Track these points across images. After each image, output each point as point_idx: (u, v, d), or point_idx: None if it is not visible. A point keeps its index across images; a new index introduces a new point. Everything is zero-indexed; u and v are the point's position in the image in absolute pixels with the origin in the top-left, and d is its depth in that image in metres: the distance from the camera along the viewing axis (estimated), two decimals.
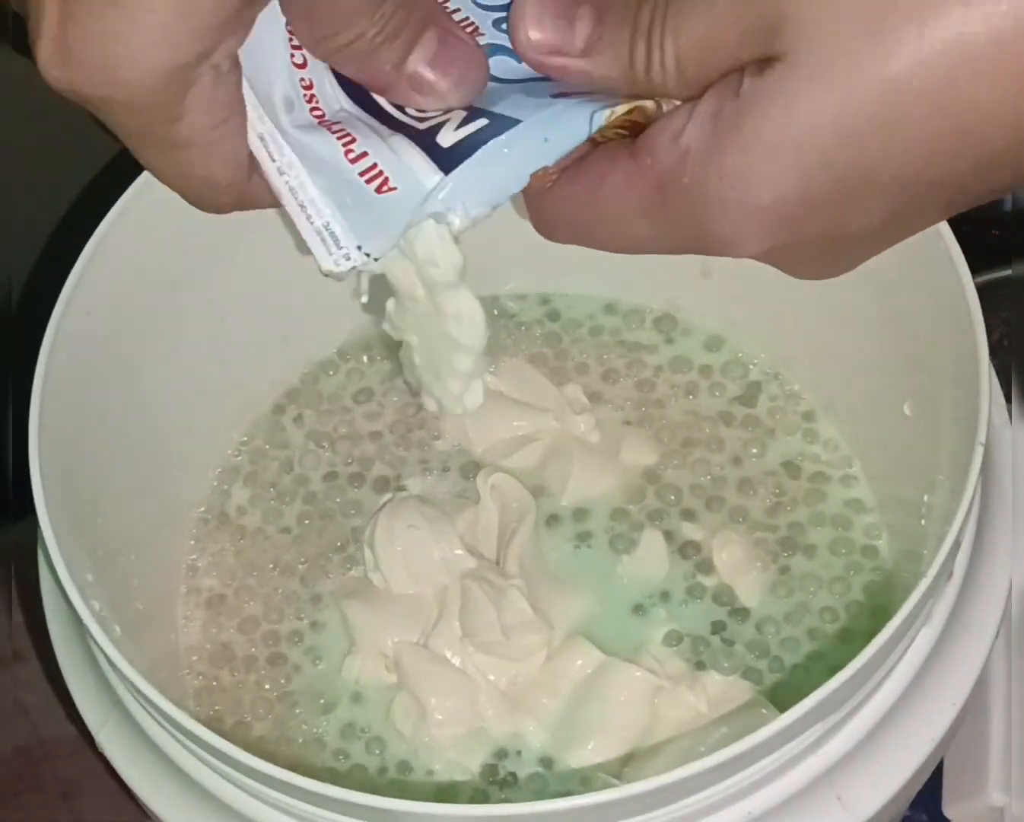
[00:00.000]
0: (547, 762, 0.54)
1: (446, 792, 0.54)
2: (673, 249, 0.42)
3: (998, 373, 0.52)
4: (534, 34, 0.43)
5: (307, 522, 0.61)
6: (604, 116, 0.43)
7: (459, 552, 0.57)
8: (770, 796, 0.46)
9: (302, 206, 0.43)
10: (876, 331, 0.56)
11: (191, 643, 0.58)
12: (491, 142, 0.43)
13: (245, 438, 0.63)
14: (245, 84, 0.43)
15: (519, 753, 0.55)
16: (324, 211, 0.43)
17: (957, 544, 0.46)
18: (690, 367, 0.64)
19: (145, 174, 0.53)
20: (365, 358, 0.65)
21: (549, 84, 0.44)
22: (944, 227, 0.50)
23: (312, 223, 0.43)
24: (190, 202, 0.46)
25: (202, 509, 0.62)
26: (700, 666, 0.56)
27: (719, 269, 0.61)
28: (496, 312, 0.65)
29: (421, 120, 0.44)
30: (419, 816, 0.42)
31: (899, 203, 0.39)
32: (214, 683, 0.57)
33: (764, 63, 0.38)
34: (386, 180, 0.43)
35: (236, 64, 0.43)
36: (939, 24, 0.35)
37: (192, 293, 0.57)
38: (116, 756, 0.50)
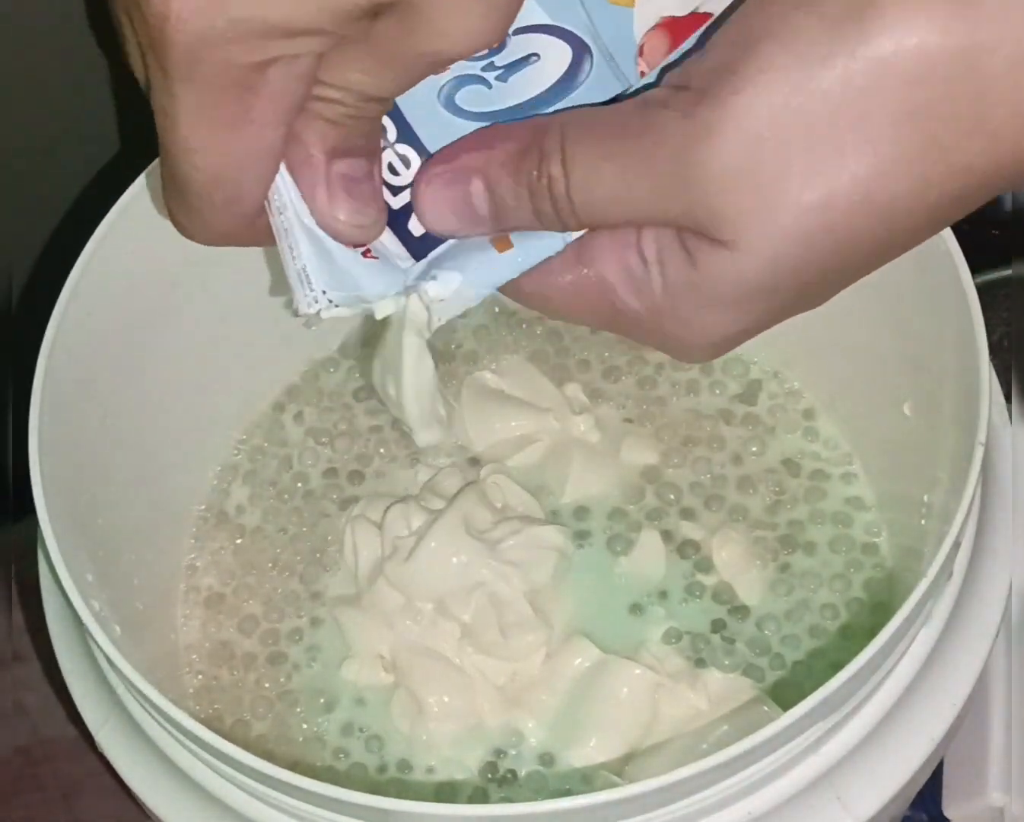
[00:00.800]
0: (547, 760, 0.54)
1: (445, 791, 0.54)
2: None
3: (998, 373, 0.52)
4: (437, 221, 0.45)
5: (306, 519, 0.61)
6: None
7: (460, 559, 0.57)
8: (770, 796, 0.46)
9: (290, 247, 0.44)
10: (876, 330, 0.56)
11: (190, 642, 0.58)
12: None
13: (244, 436, 0.63)
14: None
15: (518, 751, 0.55)
16: (303, 254, 0.44)
17: (957, 544, 0.46)
18: (691, 365, 0.64)
19: (145, 173, 0.53)
20: (366, 355, 0.65)
21: None
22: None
23: (295, 264, 0.44)
24: (184, 212, 0.44)
25: (201, 508, 0.62)
26: (700, 663, 0.56)
27: None
28: (497, 310, 0.65)
29: (395, 192, 0.46)
30: (419, 816, 0.42)
31: (840, 287, 0.44)
32: (214, 682, 0.58)
33: (702, 237, 0.41)
34: (368, 250, 0.45)
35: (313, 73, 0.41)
36: (829, 187, 0.39)
37: (192, 293, 0.57)
38: (116, 756, 0.50)
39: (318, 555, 0.60)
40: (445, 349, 0.65)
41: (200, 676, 0.58)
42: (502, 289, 0.46)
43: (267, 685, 0.57)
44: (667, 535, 0.59)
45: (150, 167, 0.53)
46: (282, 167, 0.43)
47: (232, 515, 0.61)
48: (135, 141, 0.71)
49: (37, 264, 0.73)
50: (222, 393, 0.61)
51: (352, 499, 0.61)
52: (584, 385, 0.63)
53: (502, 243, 0.45)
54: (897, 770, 0.47)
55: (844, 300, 0.56)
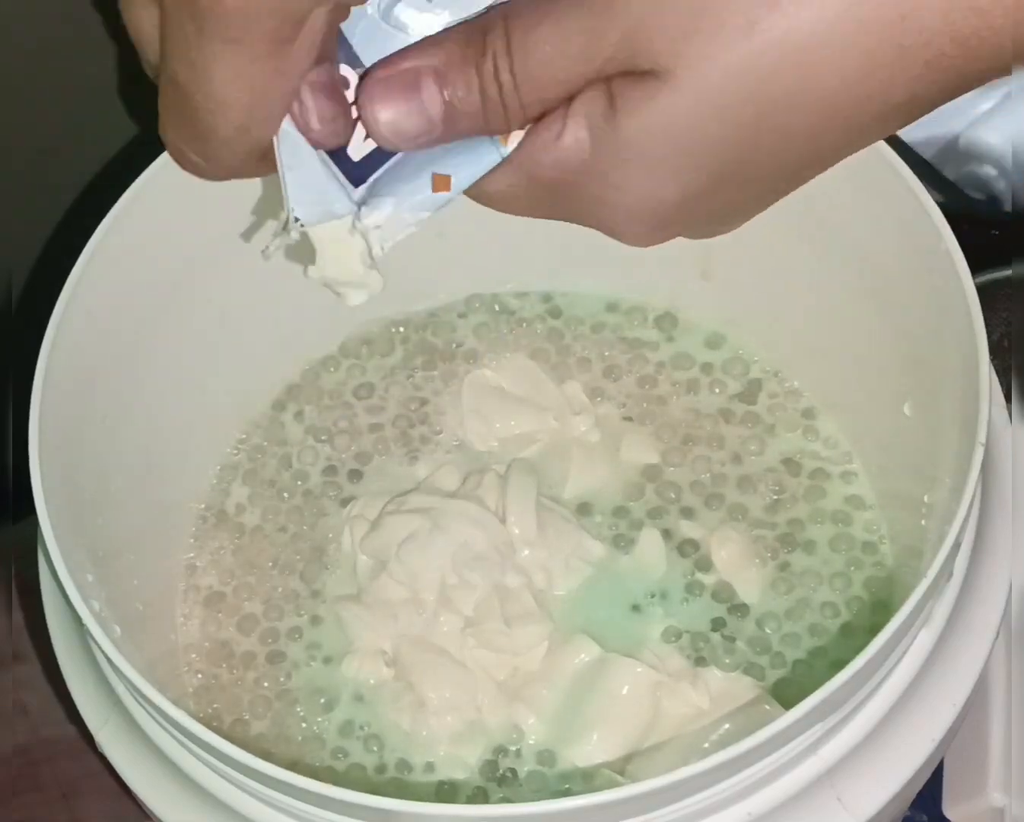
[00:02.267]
0: (547, 758, 0.54)
1: (445, 790, 0.54)
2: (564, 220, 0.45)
3: (998, 373, 0.52)
4: (390, 132, 0.44)
5: (306, 518, 0.61)
6: None
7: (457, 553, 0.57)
8: (770, 796, 0.46)
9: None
10: (876, 330, 0.56)
11: (190, 641, 0.58)
12: (391, 160, 0.45)
13: (244, 436, 0.63)
14: None
15: (519, 748, 0.55)
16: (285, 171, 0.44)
17: (957, 544, 0.46)
18: (691, 364, 0.64)
19: (145, 174, 0.53)
20: (366, 353, 0.65)
21: None
22: (944, 227, 0.50)
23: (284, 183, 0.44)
24: (200, 155, 0.44)
25: (201, 507, 0.61)
26: (700, 662, 0.56)
27: (719, 271, 0.61)
28: (497, 308, 0.66)
29: None
30: (418, 816, 0.42)
31: (772, 185, 0.42)
32: (213, 681, 0.57)
33: (631, 78, 0.40)
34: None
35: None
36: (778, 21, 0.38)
37: (192, 292, 0.57)
38: (116, 756, 0.50)
39: (318, 553, 0.60)
40: (446, 347, 0.65)
41: (199, 675, 0.58)
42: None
43: (266, 684, 0.57)
44: (667, 534, 0.59)
45: (150, 168, 0.53)
46: None
47: (232, 514, 0.61)
48: (135, 141, 0.71)
49: (37, 264, 0.73)
50: (222, 392, 0.61)
51: (352, 497, 0.61)
52: (584, 384, 0.63)
53: (440, 183, 0.44)
54: (897, 770, 0.47)
55: (844, 300, 0.56)
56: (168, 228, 0.54)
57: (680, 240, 0.46)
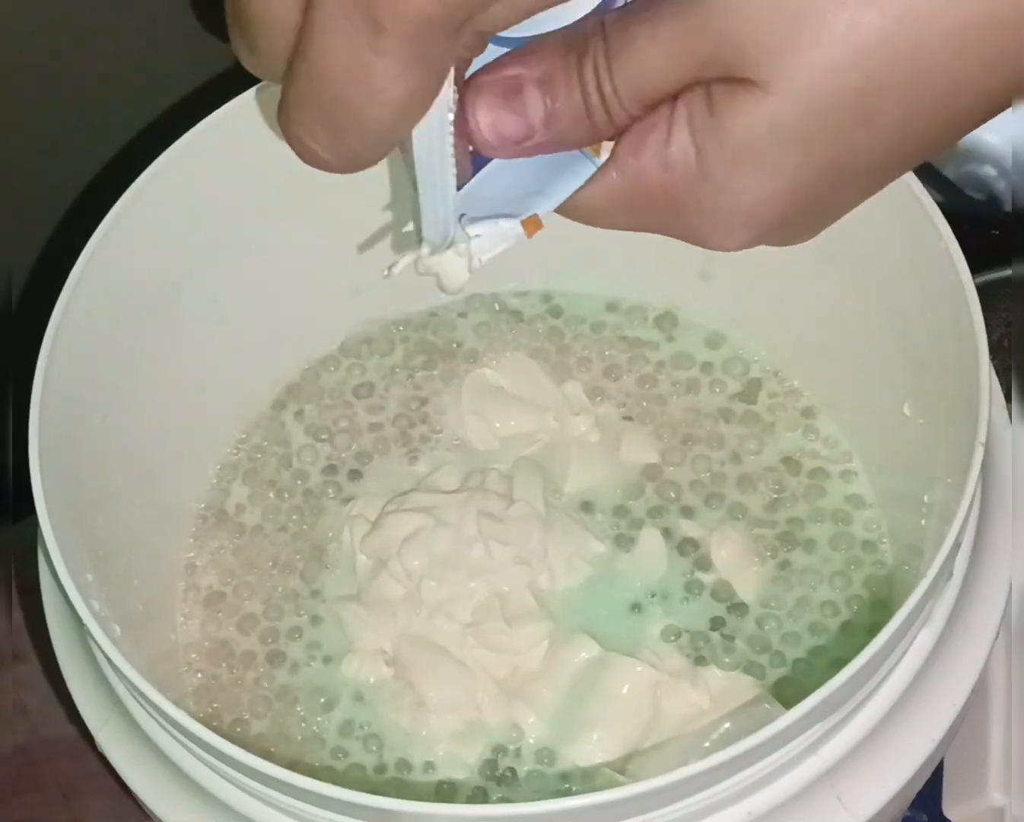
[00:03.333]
0: (547, 757, 0.54)
1: (445, 790, 0.54)
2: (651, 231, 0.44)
3: (998, 373, 0.52)
4: (492, 135, 0.43)
5: (306, 518, 0.61)
6: None
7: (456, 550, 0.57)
8: (770, 796, 0.46)
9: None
10: (876, 330, 0.56)
11: (190, 641, 0.58)
12: (482, 172, 0.44)
13: (243, 435, 0.63)
14: None
15: (519, 747, 0.55)
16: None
17: (957, 544, 0.46)
18: (691, 363, 0.64)
19: (145, 174, 0.53)
20: (366, 353, 0.65)
21: None
22: (944, 227, 0.50)
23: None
24: (337, 136, 0.41)
25: (201, 507, 0.62)
26: (700, 661, 0.56)
27: (719, 271, 0.61)
28: (497, 307, 0.66)
29: None
30: (418, 816, 0.42)
31: (878, 179, 0.42)
32: (213, 681, 0.57)
33: (732, 82, 0.39)
34: None
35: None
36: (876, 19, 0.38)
37: (192, 293, 0.57)
38: (116, 756, 0.50)
39: (318, 553, 0.60)
40: (446, 347, 0.65)
41: (199, 675, 0.58)
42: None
43: (266, 684, 0.57)
44: (667, 533, 0.59)
45: (150, 168, 0.53)
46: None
47: (232, 514, 0.61)
48: (135, 141, 0.71)
49: (37, 264, 0.73)
50: (222, 392, 0.61)
51: (352, 497, 0.61)
52: (584, 383, 0.63)
53: (530, 224, 0.44)
54: (897, 770, 0.47)
55: (844, 300, 0.56)
56: (168, 228, 0.54)
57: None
